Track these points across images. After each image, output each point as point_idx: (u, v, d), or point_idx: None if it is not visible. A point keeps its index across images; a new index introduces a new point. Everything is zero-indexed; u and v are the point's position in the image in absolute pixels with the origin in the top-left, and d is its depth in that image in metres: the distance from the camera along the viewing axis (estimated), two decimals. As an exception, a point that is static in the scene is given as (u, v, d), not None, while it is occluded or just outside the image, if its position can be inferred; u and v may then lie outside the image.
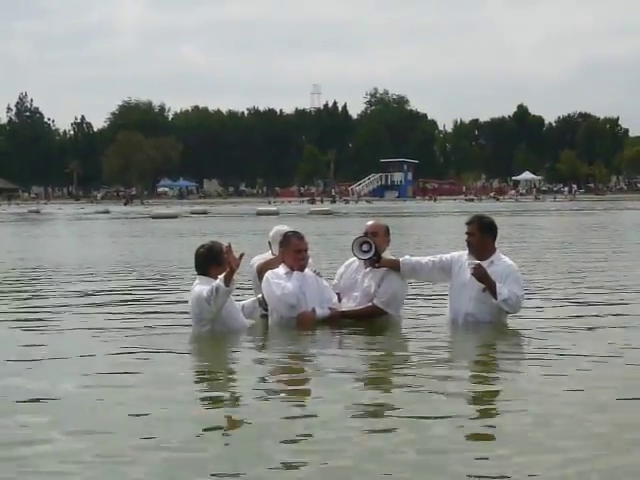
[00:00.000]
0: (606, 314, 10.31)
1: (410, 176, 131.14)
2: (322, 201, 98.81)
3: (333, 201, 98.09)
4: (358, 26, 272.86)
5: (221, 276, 8.36)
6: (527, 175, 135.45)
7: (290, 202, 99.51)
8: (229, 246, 8.35)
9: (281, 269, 9.18)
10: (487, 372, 7.23)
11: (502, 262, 9.05)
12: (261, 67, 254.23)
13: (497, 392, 6.46)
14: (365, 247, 9.12)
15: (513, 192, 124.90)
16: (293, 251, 9.17)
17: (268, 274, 9.13)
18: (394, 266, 9.32)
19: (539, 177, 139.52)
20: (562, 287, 13.20)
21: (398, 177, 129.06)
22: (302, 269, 9.18)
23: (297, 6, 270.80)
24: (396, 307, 9.49)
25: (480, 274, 8.81)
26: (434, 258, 9.38)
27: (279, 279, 9.01)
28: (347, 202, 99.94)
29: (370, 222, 9.64)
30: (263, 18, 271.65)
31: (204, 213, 62.75)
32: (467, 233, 9.16)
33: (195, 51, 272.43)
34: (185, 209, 67.29)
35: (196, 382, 7.04)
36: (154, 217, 53.28)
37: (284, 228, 9.69)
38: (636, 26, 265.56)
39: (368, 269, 9.35)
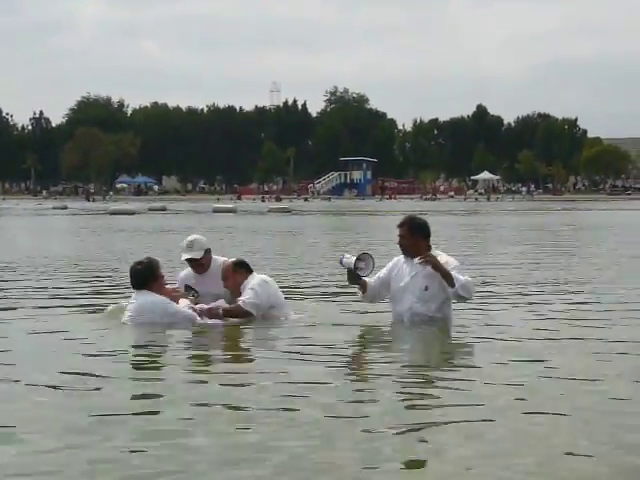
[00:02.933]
0: (551, 309, 10.52)
1: (369, 175, 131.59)
2: (279, 199, 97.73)
3: (278, 199, 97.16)
4: (319, 25, 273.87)
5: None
6: (486, 175, 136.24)
7: (255, 200, 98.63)
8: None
9: None
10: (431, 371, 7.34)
11: (438, 259, 8.96)
12: (221, 64, 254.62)
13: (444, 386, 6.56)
14: (361, 264, 8.93)
15: (471, 192, 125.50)
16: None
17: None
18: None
19: (497, 177, 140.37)
20: (514, 285, 13.37)
21: (357, 175, 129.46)
22: None
23: (258, 4, 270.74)
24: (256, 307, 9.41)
25: (434, 262, 8.80)
26: (374, 278, 9.30)
27: None
28: (306, 200, 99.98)
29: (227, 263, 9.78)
30: (224, 15, 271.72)
31: (162, 210, 62.51)
32: (399, 236, 9.16)
33: (155, 47, 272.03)
34: (143, 205, 66.97)
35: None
36: (112, 213, 53.08)
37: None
38: (595, 28, 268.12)
39: None
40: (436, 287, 8.95)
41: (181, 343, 8.56)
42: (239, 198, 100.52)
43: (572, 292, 12.55)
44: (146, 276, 9.04)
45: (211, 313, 9.26)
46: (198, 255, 9.89)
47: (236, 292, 9.47)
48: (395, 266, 9.25)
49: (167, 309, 9.00)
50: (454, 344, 8.53)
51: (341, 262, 9.18)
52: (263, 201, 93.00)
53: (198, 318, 9.13)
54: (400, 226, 9.19)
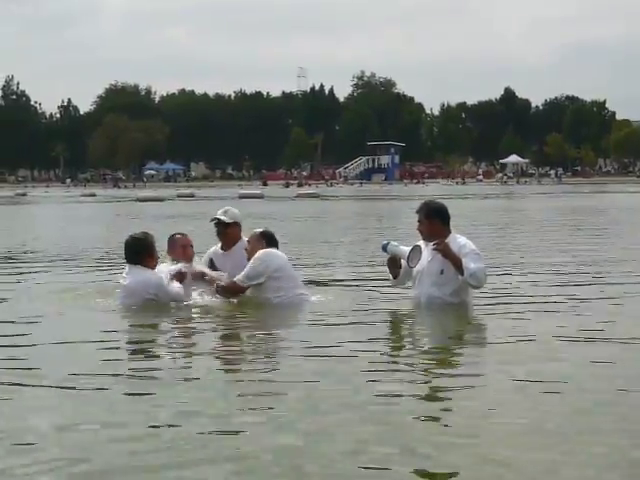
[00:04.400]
0: (570, 293, 10.30)
1: (397, 159, 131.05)
2: (301, 185, 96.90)
3: (300, 184, 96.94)
4: (345, 9, 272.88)
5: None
6: (514, 158, 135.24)
7: (282, 186, 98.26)
8: None
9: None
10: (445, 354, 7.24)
11: (456, 243, 8.91)
12: (247, 50, 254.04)
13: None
14: (412, 255, 8.91)
15: (500, 175, 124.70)
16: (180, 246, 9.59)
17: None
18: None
19: (526, 160, 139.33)
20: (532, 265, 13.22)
21: (385, 160, 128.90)
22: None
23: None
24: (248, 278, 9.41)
25: (444, 249, 8.77)
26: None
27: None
28: (331, 185, 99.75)
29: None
30: (250, 1, 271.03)
31: (191, 196, 62.54)
32: (417, 221, 9.14)
33: (182, 34, 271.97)
34: (172, 192, 67.06)
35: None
36: (140, 200, 53.14)
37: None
38: (623, 9, 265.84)
39: None
40: (452, 271, 8.85)
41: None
42: (265, 184, 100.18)
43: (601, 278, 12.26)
44: (140, 251, 9.12)
45: (195, 274, 9.46)
46: (227, 219, 9.90)
47: (250, 258, 9.44)
48: None
49: (161, 284, 9.06)
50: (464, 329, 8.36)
51: (385, 248, 9.15)
52: (287, 187, 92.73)
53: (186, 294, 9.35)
54: (417, 212, 9.17)
